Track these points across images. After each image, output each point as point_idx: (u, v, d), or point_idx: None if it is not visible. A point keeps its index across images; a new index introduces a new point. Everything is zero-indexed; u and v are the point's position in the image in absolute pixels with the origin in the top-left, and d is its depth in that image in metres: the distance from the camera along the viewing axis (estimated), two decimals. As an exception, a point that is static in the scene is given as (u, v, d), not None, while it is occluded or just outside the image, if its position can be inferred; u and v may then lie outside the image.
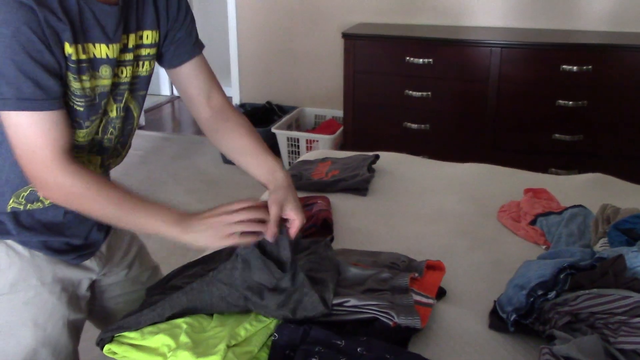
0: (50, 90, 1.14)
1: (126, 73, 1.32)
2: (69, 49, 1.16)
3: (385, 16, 4.24)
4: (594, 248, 1.60)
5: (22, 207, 1.31)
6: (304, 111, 4.62)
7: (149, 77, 1.40)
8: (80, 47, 1.18)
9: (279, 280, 1.29)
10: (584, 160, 3.55)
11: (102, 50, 1.23)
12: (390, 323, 1.29)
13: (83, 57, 1.19)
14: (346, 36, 3.84)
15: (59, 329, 1.40)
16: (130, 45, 1.30)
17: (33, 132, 1.15)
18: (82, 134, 1.28)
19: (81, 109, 1.24)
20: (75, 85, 1.20)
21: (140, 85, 1.39)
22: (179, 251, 3.14)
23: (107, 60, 1.24)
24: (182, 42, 1.42)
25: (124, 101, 1.35)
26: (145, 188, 3.96)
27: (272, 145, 4.23)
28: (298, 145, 4.13)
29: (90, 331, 1.54)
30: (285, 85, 4.70)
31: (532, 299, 1.31)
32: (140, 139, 4.85)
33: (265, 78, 4.76)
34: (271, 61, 4.70)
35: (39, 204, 1.32)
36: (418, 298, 1.38)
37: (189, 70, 1.46)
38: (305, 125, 4.60)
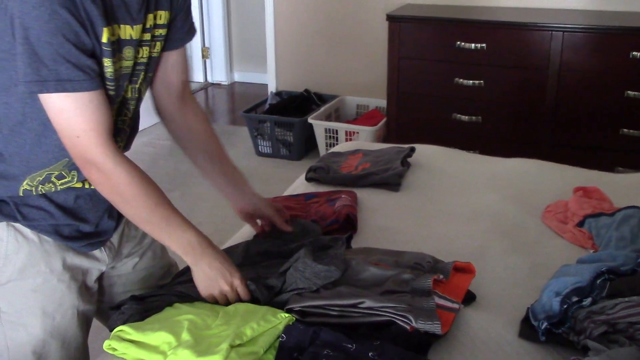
0: (89, 70, 1.24)
1: (142, 53, 1.41)
2: (105, 32, 1.25)
3: (434, -4, 4.23)
4: (646, 254, 1.58)
5: (33, 190, 1.38)
6: (345, 100, 4.64)
7: (159, 58, 1.50)
8: (111, 29, 1.28)
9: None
10: (655, 159, 3.48)
11: (126, 31, 1.32)
12: (408, 327, 1.30)
13: (113, 39, 1.29)
14: (391, 18, 3.85)
15: (68, 319, 1.47)
16: (148, 26, 1.38)
17: (76, 116, 1.25)
18: None
19: (112, 92, 1.34)
20: (109, 69, 1.30)
21: (152, 65, 1.48)
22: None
23: (130, 42, 1.34)
24: (180, 27, 1.51)
25: (139, 82, 1.44)
26: (172, 180, 4.05)
27: (309, 137, 4.28)
28: (337, 137, 4.16)
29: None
30: (325, 72, 4.73)
31: (565, 306, 1.31)
32: (169, 129, 4.95)
33: (303, 64, 4.80)
34: (310, 46, 4.74)
35: (50, 185, 1.40)
36: (442, 302, 1.39)
37: (177, 56, 1.55)
38: (345, 116, 4.63)
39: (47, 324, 1.44)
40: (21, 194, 1.38)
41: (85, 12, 1.20)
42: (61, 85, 1.21)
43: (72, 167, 1.40)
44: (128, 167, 1.32)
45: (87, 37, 1.22)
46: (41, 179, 1.38)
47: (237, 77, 6.29)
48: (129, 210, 1.36)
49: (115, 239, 1.57)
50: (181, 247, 1.39)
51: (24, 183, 1.37)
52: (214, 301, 1.44)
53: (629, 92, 3.46)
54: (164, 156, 4.41)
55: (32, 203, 1.39)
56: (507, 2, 4.08)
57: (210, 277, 1.41)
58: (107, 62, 1.28)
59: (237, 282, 1.43)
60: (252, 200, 1.73)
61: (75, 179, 1.42)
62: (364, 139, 4.04)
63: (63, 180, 1.41)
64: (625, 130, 3.53)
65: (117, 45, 1.31)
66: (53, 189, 1.40)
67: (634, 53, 3.39)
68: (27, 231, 1.41)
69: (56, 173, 1.39)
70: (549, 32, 3.54)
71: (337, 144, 4.16)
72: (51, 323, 1.45)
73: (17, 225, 1.40)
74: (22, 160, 1.35)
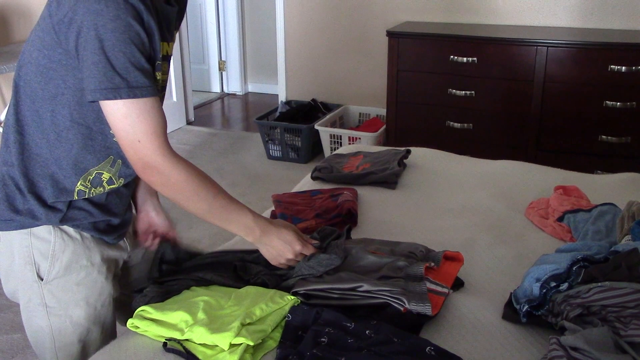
0: (152, 77, 1.25)
1: (167, 69, 1.42)
2: (163, 46, 1.28)
3: (430, 15, 4.24)
4: (619, 245, 1.58)
5: (87, 191, 1.38)
6: (349, 109, 4.66)
7: None
8: (161, 44, 1.29)
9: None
10: (631, 163, 3.46)
11: (164, 48, 1.33)
12: (402, 309, 1.32)
13: (163, 52, 1.31)
14: (390, 34, 3.86)
15: (106, 307, 1.49)
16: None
17: (139, 121, 1.23)
18: None
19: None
20: (159, 80, 1.31)
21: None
22: (219, 241, 3.22)
23: (167, 57, 1.36)
24: None
25: (165, 95, 1.46)
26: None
27: (315, 142, 4.29)
28: (341, 143, 4.17)
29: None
30: (330, 84, 4.75)
31: (544, 291, 1.32)
32: (189, 134, 4.98)
33: (311, 76, 4.82)
34: (317, 60, 4.76)
35: (101, 188, 1.40)
36: (432, 287, 1.40)
37: None
38: (349, 123, 4.64)
39: (90, 313, 1.45)
40: (76, 197, 1.37)
41: (149, 27, 1.22)
42: (132, 92, 1.20)
43: (121, 173, 1.41)
44: (185, 166, 1.30)
45: (150, 49, 1.24)
46: (91, 178, 1.37)
47: (251, 88, 6.31)
48: (191, 205, 1.34)
49: (130, 228, 1.59)
50: (242, 231, 1.42)
51: (78, 184, 1.36)
52: (284, 267, 1.50)
53: (607, 101, 3.46)
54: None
55: (76, 205, 1.39)
56: (497, 20, 4.09)
57: (273, 252, 1.46)
58: (157, 75, 1.30)
59: (299, 248, 1.47)
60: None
61: (121, 184, 1.44)
62: (365, 144, 4.05)
63: (112, 186, 1.42)
64: (604, 136, 3.53)
65: (163, 59, 1.32)
66: (102, 192, 1.41)
67: (611, 66, 3.39)
68: (70, 230, 1.40)
69: (107, 176, 1.39)
70: (534, 47, 3.54)
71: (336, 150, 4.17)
72: (93, 312, 1.45)
73: (63, 226, 1.40)
74: (70, 162, 1.34)
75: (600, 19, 3.85)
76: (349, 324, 1.27)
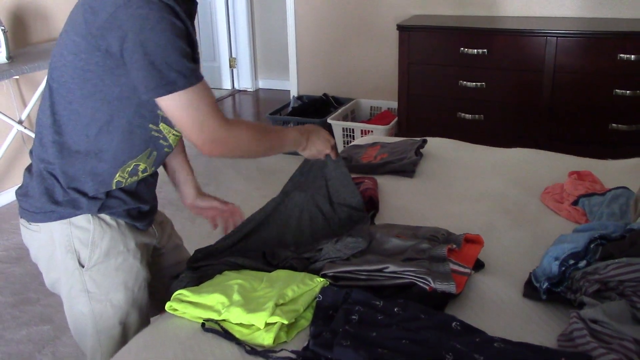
0: (198, 62, 1.33)
1: None
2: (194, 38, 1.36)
3: (439, 8, 4.29)
4: (634, 224, 1.63)
5: (124, 181, 1.46)
6: (360, 103, 4.72)
7: None
8: None
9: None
10: (641, 150, 3.52)
11: None
12: (427, 288, 1.38)
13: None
14: (401, 28, 3.92)
15: (142, 290, 1.56)
16: None
17: (200, 103, 1.31)
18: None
19: None
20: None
21: None
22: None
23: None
24: None
25: None
26: (205, 176, 4.14)
27: (328, 136, 4.34)
28: (353, 136, 4.23)
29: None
30: (342, 78, 4.81)
31: (563, 268, 1.38)
32: (202, 131, 5.04)
33: (322, 70, 4.89)
34: (328, 54, 4.82)
35: (136, 177, 1.48)
36: (455, 267, 1.47)
37: None
38: (360, 117, 4.70)
39: (128, 297, 1.52)
40: (114, 187, 1.45)
41: (185, 22, 1.29)
42: (189, 81, 1.28)
43: (154, 163, 1.49)
44: (241, 128, 1.43)
45: (190, 38, 1.32)
46: (130, 169, 1.44)
47: (261, 84, 6.38)
48: (252, 154, 1.53)
49: (157, 217, 1.68)
50: (293, 146, 1.64)
51: (117, 176, 1.43)
52: (322, 156, 1.79)
53: (617, 90, 3.51)
54: (195, 155, 4.46)
55: (113, 194, 1.47)
56: (506, 11, 4.14)
57: (315, 151, 1.74)
58: None
59: (333, 141, 1.78)
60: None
61: (151, 172, 1.52)
62: (378, 137, 4.10)
63: (145, 174, 1.49)
64: (614, 125, 3.58)
65: None
66: (137, 179, 1.48)
67: (621, 55, 3.44)
68: (107, 218, 1.47)
69: (142, 166, 1.46)
70: (544, 37, 3.59)
71: (353, 142, 4.23)
72: (132, 295, 1.53)
73: (100, 214, 1.47)
74: (111, 155, 1.41)
75: (609, 8, 3.89)
76: (378, 303, 1.34)
